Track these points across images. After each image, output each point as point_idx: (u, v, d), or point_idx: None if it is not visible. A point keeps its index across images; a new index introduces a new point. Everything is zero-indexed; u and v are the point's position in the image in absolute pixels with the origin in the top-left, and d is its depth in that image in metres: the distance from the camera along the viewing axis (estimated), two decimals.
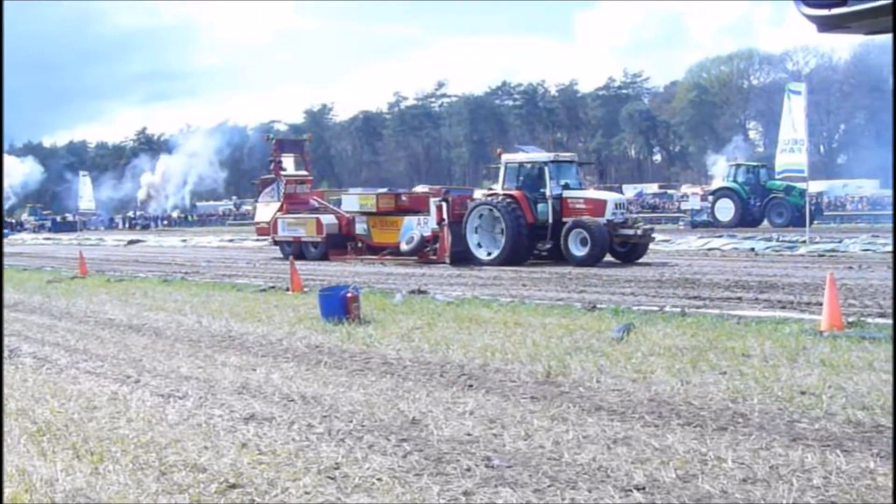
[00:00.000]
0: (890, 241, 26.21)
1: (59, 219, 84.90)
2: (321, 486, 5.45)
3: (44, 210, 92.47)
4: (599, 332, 10.76)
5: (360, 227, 28.37)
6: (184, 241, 48.88)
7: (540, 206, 23.90)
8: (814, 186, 46.07)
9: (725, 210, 43.53)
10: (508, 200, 23.82)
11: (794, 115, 28.36)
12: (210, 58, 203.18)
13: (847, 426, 6.40)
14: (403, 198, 28.62)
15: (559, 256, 23.51)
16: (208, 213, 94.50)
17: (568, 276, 19.78)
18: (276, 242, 31.08)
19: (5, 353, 10.88)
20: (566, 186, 24.16)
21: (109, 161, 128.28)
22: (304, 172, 32.76)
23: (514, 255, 23.59)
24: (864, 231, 34.64)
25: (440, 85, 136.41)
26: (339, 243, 28.83)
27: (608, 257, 23.16)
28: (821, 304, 11.32)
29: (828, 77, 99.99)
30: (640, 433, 6.40)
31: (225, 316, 13.65)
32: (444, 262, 24.73)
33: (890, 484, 5.10)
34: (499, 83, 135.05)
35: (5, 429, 6.89)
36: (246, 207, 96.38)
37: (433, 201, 25.99)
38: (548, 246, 23.83)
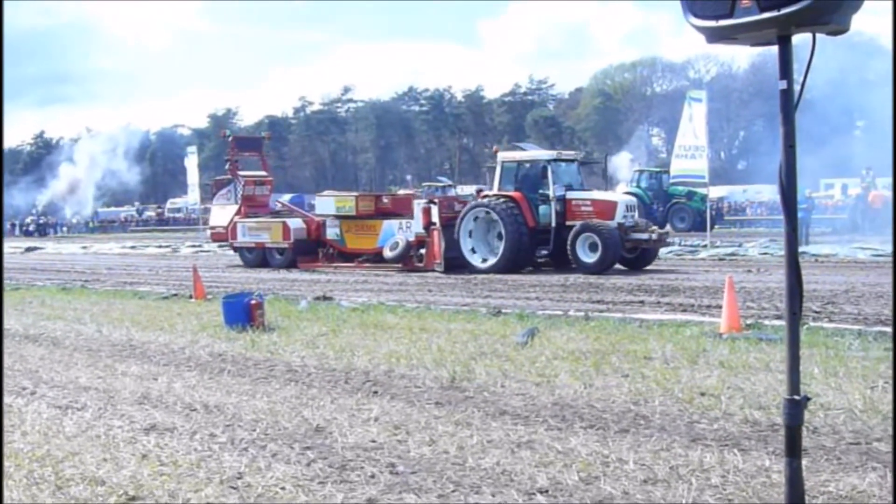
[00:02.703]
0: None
1: None
2: (223, 497, 5.37)
3: None
4: (504, 337, 10.85)
5: (331, 232, 26.48)
6: (84, 248, 47.80)
7: (541, 209, 22.56)
8: (714, 192, 47.14)
9: None
10: (507, 202, 22.47)
11: (695, 121, 29.03)
12: (109, 60, 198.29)
13: (744, 426, 6.56)
14: (384, 200, 27.33)
15: (560, 263, 22.31)
16: (109, 220, 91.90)
17: (473, 282, 19.89)
18: (235, 249, 29.15)
19: None
20: (569, 187, 22.93)
21: (4, 165, 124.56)
22: (264, 173, 31.06)
23: (514, 261, 22.26)
24: (762, 235, 35.66)
25: (346, 90, 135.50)
26: (308, 249, 26.98)
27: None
28: (721, 307, 11.60)
29: (728, 85, 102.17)
30: (543, 436, 6.46)
31: (126, 324, 13.38)
32: (434, 270, 23.19)
33: (782, 480, 5.23)
34: (405, 88, 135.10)
35: None
36: (148, 213, 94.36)
37: (418, 204, 24.53)
38: (548, 251, 22.49)
